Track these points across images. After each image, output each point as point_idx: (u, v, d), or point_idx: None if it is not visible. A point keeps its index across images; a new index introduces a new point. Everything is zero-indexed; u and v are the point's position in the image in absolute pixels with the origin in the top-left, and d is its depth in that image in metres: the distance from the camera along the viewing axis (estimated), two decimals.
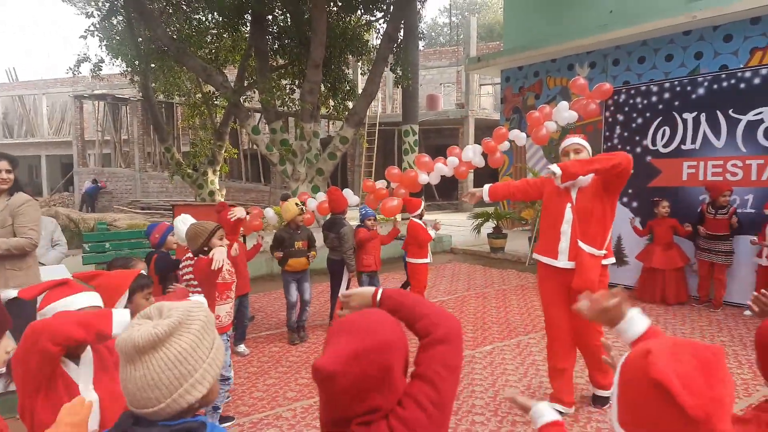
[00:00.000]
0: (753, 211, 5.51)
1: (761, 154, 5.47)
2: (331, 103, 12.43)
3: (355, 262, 5.25)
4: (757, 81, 5.51)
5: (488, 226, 9.83)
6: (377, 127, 17.97)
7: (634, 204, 6.57)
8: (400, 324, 1.30)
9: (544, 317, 3.64)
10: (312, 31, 10.18)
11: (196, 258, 3.17)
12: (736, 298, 5.72)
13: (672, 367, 0.98)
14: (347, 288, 5.20)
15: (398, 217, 10.56)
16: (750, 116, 5.54)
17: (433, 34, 37.11)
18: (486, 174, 9.96)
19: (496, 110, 21.06)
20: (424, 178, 6.33)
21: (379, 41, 11.24)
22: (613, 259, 3.53)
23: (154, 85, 13.89)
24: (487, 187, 3.86)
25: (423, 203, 5.82)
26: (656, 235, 6.09)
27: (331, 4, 11.32)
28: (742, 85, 5.62)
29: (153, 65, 12.38)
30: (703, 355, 1.01)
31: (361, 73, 17.54)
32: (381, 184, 6.25)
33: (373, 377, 1.14)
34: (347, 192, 5.75)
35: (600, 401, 3.60)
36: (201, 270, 3.01)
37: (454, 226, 13.63)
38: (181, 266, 3.45)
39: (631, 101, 6.60)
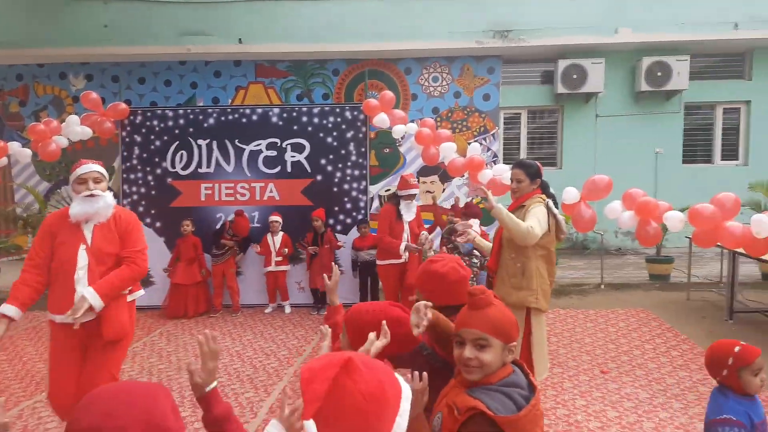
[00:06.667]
0: (259, 225, 6.61)
1: (262, 178, 6.63)
2: None
3: None
4: (255, 117, 6.65)
5: None
6: None
7: (158, 224, 6.67)
8: None
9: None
10: None
11: None
12: (252, 300, 6.70)
13: None
14: None
15: None
16: (252, 146, 6.62)
17: None
18: None
19: None
20: None
21: None
22: (141, 291, 3.22)
23: None
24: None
25: None
26: (181, 252, 6.39)
27: None
28: (244, 120, 6.65)
29: None
30: None
31: None
32: None
33: None
34: None
35: None
36: None
37: None
38: None
39: (149, 123, 6.66)
